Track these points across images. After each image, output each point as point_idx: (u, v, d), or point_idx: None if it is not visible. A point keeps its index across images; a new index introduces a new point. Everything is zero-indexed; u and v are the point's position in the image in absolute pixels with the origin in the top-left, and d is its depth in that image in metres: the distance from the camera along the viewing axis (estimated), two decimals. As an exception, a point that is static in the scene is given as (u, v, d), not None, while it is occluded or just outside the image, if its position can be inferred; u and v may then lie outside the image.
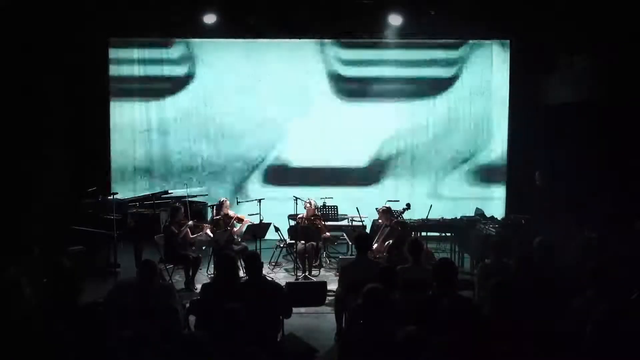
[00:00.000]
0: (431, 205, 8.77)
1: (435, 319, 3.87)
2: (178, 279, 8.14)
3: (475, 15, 9.57)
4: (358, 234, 6.69)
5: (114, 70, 10.60)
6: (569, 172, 9.29)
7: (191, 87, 10.82)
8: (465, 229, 8.84)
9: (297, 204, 8.76)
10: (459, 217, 9.33)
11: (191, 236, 8.33)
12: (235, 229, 8.63)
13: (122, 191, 9.83)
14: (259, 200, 8.87)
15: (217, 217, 8.62)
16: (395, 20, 9.84)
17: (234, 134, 10.89)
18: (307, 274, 8.28)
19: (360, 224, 9.08)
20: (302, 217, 8.70)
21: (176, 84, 10.79)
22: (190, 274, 7.98)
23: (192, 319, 5.12)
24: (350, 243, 8.70)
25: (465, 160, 11.02)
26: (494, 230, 8.32)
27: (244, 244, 8.66)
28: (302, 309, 6.60)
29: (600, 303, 3.94)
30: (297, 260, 8.34)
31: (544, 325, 4.06)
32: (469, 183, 11.05)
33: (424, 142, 10.97)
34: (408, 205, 8.45)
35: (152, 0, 9.53)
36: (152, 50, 10.71)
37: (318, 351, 5.43)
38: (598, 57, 9.06)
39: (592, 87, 9.25)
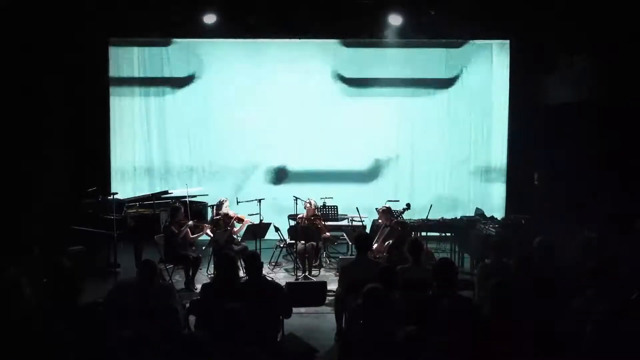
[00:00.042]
0: (431, 205, 8.77)
1: (435, 319, 3.87)
2: (178, 279, 8.14)
3: (475, 15, 9.57)
4: (358, 234, 6.69)
5: (114, 70, 10.58)
6: (569, 172, 9.29)
7: (192, 88, 10.81)
8: (465, 229, 8.84)
9: (297, 204, 8.76)
10: (459, 217, 9.33)
11: (191, 236, 8.33)
12: (235, 229, 8.63)
13: (122, 191, 9.83)
14: (259, 200, 8.87)
15: (217, 217, 8.62)
16: (395, 20, 9.83)
17: (234, 135, 10.88)
18: (307, 274, 8.28)
19: (360, 224, 9.07)
20: (302, 217, 8.70)
21: (177, 84, 10.77)
22: (190, 274, 7.98)
23: (192, 319, 5.12)
24: (350, 243, 8.70)
25: (465, 161, 11.01)
26: (494, 230, 8.33)
27: (244, 244, 8.66)
28: (302, 309, 6.60)
29: (600, 303, 3.94)
30: (297, 260, 8.34)
31: (544, 325, 4.06)
32: (469, 183, 11.04)
33: (424, 143, 10.97)
34: (408, 205, 8.45)
35: (152, 0, 9.53)
36: (153, 49, 10.70)
37: (318, 351, 5.43)
38: (598, 57, 9.05)
39: (592, 87, 9.25)
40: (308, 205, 8.77)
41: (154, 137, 10.87)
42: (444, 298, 4.17)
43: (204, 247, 8.85)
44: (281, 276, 8.48)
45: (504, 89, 10.70)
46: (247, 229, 8.65)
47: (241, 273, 6.17)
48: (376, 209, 8.63)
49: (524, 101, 10.38)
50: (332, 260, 9.30)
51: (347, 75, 10.83)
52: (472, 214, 9.54)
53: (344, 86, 10.85)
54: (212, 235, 8.39)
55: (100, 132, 10.44)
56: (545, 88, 10.23)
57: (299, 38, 10.50)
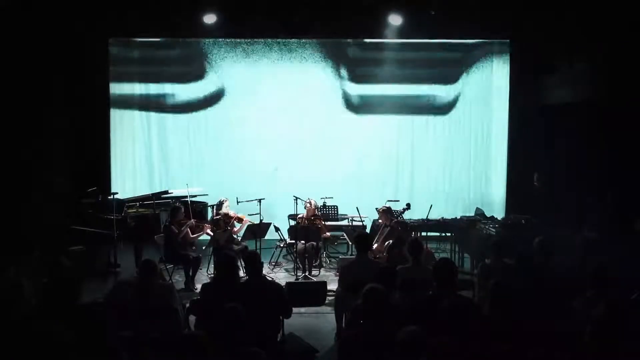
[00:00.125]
0: (431, 205, 8.77)
1: (435, 319, 3.87)
2: (178, 279, 8.14)
3: (475, 15, 9.57)
4: (358, 234, 6.69)
5: (114, 70, 10.58)
6: (569, 172, 9.29)
7: (192, 87, 10.80)
8: (465, 229, 8.84)
9: (297, 204, 8.76)
10: (459, 217, 9.33)
11: (191, 236, 8.33)
12: (235, 229, 8.63)
13: (122, 191, 9.83)
14: (259, 200, 8.87)
15: (217, 217, 8.62)
16: (395, 20, 9.84)
17: (234, 134, 10.88)
18: (307, 274, 8.28)
19: (360, 224, 9.07)
20: (302, 217, 8.70)
21: (177, 82, 10.76)
22: (190, 274, 7.98)
23: (192, 319, 5.12)
24: (350, 243, 8.70)
25: (465, 160, 11.02)
26: (494, 230, 8.33)
27: (244, 243, 8.66)
28: (302, 309, 6.60)
29: (600, 303, 3.94)
30: (297, 260, 8.34)
31: (544, 325, 4.06)
32: (469, 182, 11.04)
33: (425, 143, 10.97)
34: (408, 205, 8.45)
35: (152, 0, 9.53)
36: (153, 48, 10.68)
37: (318, 351, 5.44)
38: (598, 57, 9.06)
39: (592, 87, 9.25)
40: (308, 205, 8.77)
41: (154, 137, 10.85)
42: (444, 298, 4.17)
43: (204, 247, 8.85)
44: (281, 276, 8.48)
45: (504, 90, 10.70)
46: (247, 229, 8.65)
47: (241, 273, 6.17)
48: (376, 208, 8.63)
49: (524, 101, 10.38)
50: (332, 260, 9.30)
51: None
52: (472, 214, 9.54)
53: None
54: (212, 234, 8.39)
55: (100, 132, 10.44)
56: (545, 88, 10.23)
57: (299, 38, 10.51)
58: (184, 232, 8.15)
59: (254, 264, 5.22)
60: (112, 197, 8.63)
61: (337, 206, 9.70)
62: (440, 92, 10.88)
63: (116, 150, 10.75)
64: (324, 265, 8.97)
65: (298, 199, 8.76)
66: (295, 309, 5.39)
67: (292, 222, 8.87)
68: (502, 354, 3.67)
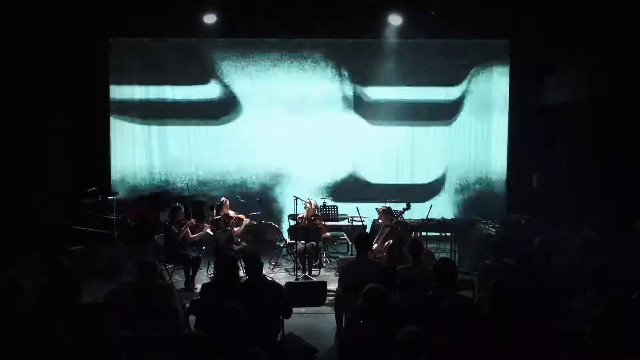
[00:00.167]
0: (431, 205, 8.77)
1: (435, 319, 3.87)
2: (178, 279, 8.14)
3: (475, 15, 9.57)
4: (358, 234, 6.70)
5: (114, 69, 10.58)
6: (569, 172, 9.30)
7: (192, 86, 10.80)
8: (465, 229, 8.84)
9: (297, 204, 8.76)
10: (459, 217, 9.34)
11: (191, 236, 8.33)
12: (235, 229, 8.63)
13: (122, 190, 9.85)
14: (259, 200, 8.87)
15: (217, 217, 8.62)
16: (395, 20, 9.84)
17: (234, 138, 10.88)
18: (307, 274, 8.28)
19: (360, 224, 9.08)
20: (302, 217, 8.70)
21: (177, 82, 10.73)
22: (190, 274, 7.98)
23: (192, 319, 5.12)
24: (350, 243, 8.70)
25: (465, 160, 11.02)
26: (494, 230, 8.33)
27: (244, 243, 8.67)
28: (302, 309, 6.61)
29: (600, 303, 3.94)
30: (297, 260, 8.35)
31: (544, 325, 4.06)
32: (469, 183, 11.04)
33: (424, 143, 10.98)
34: (408, 205, 8.44)
35: (152, 0, 9.53)
36: (153, 48, 10.67)
37: (318, 351, 5.44)
38: (598, 57, 9.06)
39: (592, 87, 9.25)
40: (308, 205, 8.78)
41: (154, 136, 10.85)
42: (444, 298, 4.17)
43: (204, 247, 8.85)
44: (281, 276, 8.49)
45: (504, 90, 10.70)
46: (247, 229, 8.65)
47: (241, 273, 6.17)
48: (376, 208, 8.63)
49: (524, 101, 10.38)
50: (332, 260, 9.30)
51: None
52: (472, 214, 9.55)
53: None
54: (212, 233, 8.40)
55: (100, 132, 10.44)
56: (545, 88, 10.23)
57: (299, 38, 10.51)
58: (184, 232, 8.15)
59: (254, 264, 5.22)
60: (112, 197, 8.64)
61: (337, 206, 9.71)
62: (442, 94, 10.86)
63: (116, 150, 10.74)
64: (324, 265, 8.98)
65: (298, 199, 8.76)
66: (295, 309, 5.40)
67: (292, 222, 8.87)
68: (502, 354, 3.67)
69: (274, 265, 8.96)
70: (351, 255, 8.57)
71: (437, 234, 9.49)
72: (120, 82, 10.63)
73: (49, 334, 3.24)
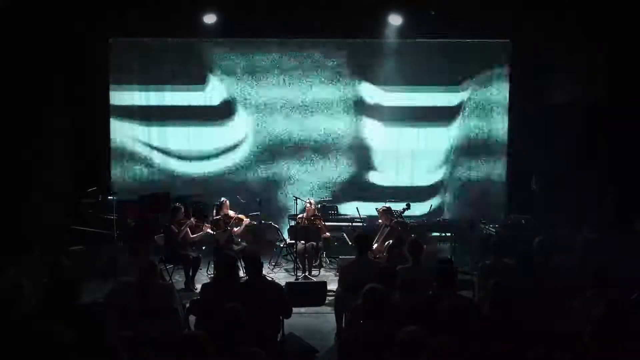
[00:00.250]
0: (431, 205, 8.77)
1: (435, 319, 3.87)
2: (178, 279, 8.14)
3: (475, 15, 9.57)
4: (358, 234, 6.70)
5: (114, 69, 10.58)
6: (568, 172, 9.30)
7: (192, 86, 10.79)
8: (465, 229, 8.84)
9: (297, 204, 8.76)
10: (459, 217, 9.34)
11: (191, 236, 8.34)
12: (235, 229, 8.63)
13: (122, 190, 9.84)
14: (259, 200, 8.87)
15: (217, 217, 8.62)
16: (395, 20, 9.84)
17: (235, 138, 10.87)
18: (307, 274, 8.28)
19: (360, 224, 9.07)
20: (302, 217, 8.70)
21: (177, 81, 10.71)
22: (190, 274, 7.98)
23: (192, 319, 5.12)
24: (350, 243, 8.70)
25: (465, 160, 11.02)
26: (494, 230, 8.34)
27: (244, 243, 8.67)
28: (302, 309, 6.61)
29: (600, 303, 3.94)
30: (297, 260, 8.35)
31: (544, 325, 4.06)
32: (469, 182, 11.04)
33: (424, 143, 10.98)
34: (408, 205, 8.45)
35: (152, 0, 9.53)
36: (153, 47, 10.66)
37: (318, 351, 5.44)
38: (598, 57, 9.06)
39: (592, 87, 9.25)
40: (308, 205, 8.78)
41: (154, 135, 10.85)
42: (444, 298, 4.17)
43: (204, 247, 8.85)
44: (281, 276, 8.49)
45: (504, 90, 10.70)
46: (247, 229, 8.65)
47: (241, 273, 6.17)
48: (376, 208, 8.63)
49: (524, 101, 10.37)
50: (332, 260, 9.30)
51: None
52: (472, 214, 9.55)
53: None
54: (212, 233, 8.40)
55: (100, 132, 10.43)
56: (545, 88, 10.23)
57: (299, 38, 10.50)
58: (183, 232, 8.15)
59: (254, 264, 5.22)
60: (112, 197, 8.64)
61: (337, 206, 9.70)
62: (442, 94, 10.84)
63: (116, 150, 10.74)
64: (324, 265, 8.98)
65: (298, 199, 8.76)
66: (295, 309, 5.40)
67: (292, 222, 8.87)
68: (502, 354, 3.67)
69: (274, 265, 8.96)
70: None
71: (437, 234, 9.49)
72: (120, 82, 10.62)
73: (49, 334, 3.23)
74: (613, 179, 8.68)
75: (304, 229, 8.36)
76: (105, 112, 10.51)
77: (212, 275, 8.13)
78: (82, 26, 9.61)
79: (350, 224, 9.17)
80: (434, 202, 10.15)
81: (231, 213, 8.71)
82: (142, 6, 9.44)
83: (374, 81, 10.74)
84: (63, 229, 8.45)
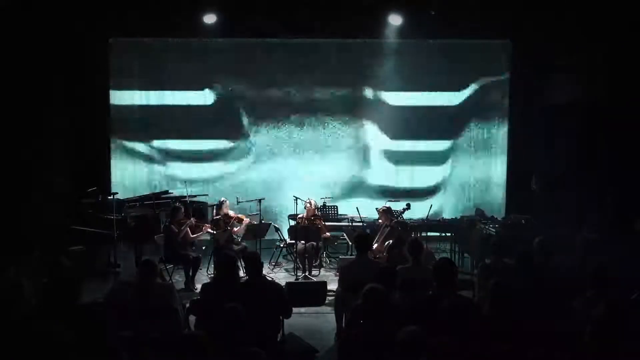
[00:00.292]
0: (431, 205, 8.77)
1: (435, 319, 3.87)
2: (178, 279, 8.14)
3: (475, 15, 9.57)
4: (358, 234, 6.69)
5: (114, 69, 10.57)
6: (568, 172, 9.30)
7: (192, 86, 10.78)
8: (465, 229, 8.84)
9: (297, 204, 8.76)
10: (458, 217, 9.33)
11: (191, 236, 8.33)
12: (235, 229, 8.63)
13: (122, 191, 9.83)
14: (259, 200, 8.87)
15: (217, 217, 8.62)
16: (395, 20, 9.84)
17: (234, 138, 10.86)
18: (307, 274, 8.28)
19: (360, 224, 9.07)
20: (302, 217, 8.70)
21: (177, 81, 10.70)
22: (190, 274, 7.98)
23: (192, 319, 5.12)
24: (350, 243, 8.70)
25: (465, 160, 11.01)
26: (494, 230, 8.33)
27: (244, 243, 8.66)
28: (302, 309, 6.59)
29: (600, 303, 3.94)
30: (297, 260, 8.35)
31: (544, 325, 4.06)
32: (469, 182, 11.04)
33: (424, 143, 10.98)
34: (408, 205, 8.45)
35: (152, 0, 9.53)
36: (153, 47, 10.65)
37: (318, 351, 5.44)
38: (598, 57, 9.06)
39: (592, 87, 9.25)
40: (308, 205, 8.77)
41: (154, 136, 10.85)
42: (444, 298, 4.17)
43: (204, 247, 8.85)
44: (281, 276, 8.48)
45: (504, 90, 10.70)
46: (247, 229, 8.65)
47: (241, 273, 6.17)
48: (376, 208, 8.63)
49: (524, 101, 10.38)
50: (332, 260, 9.30)
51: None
52: (472, 214, 9.54)
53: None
54: (213, 232, 8.39)
55: (100, 132, 10.44)
56: (545, 88, 10.23)
57: (299, 38, 10.50)
58: (183, 232, 8.15)
59: (254, 264, 5.22)
60: (112, 197, 8.64)
61: (337, 206, 9.70)
62: (443, 95, 10.85)
63: (116, 151, 10.74)
64: (324, 265, 8.97)
65: (298, 199, 8.76)
66: (295, 309, 5.39)
67: (292, 222, 8.87)
68: (502, 354, 3.67)
69: (274, 265, 8.96)
70: (351, 255, 8.56)
71: (437, 234, 9.49)
72: (120, 82, 10.62)
73: (49, 334, 3.24)
74: (613, 179, 8.67)
75: (304, 229, 8.35)
76: (105, 112, 10.51)
77: (212, 275, 8.13)
78: (82, 26, 9.62)
79: (350, 224, 9.16)
80: (434, 202, 10.13)
81: (231, 213, 8.71)
82: (142, 6, 9.44)
83: (374, 81, 10.74)
84: (63, 229, 8.44)
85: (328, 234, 8.92)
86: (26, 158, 8.84)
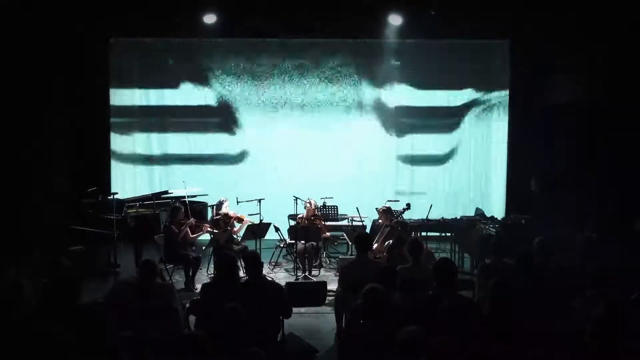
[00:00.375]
0: (431, 205, 8.77)
1: (435, 319, 3.87)
2: (178, 279, 8.14)
3: (475, 15, 9.57)
4: (358, 234, 6.69)
5: (114, 69, 10.56)
6: (568, 172, 9.29)
7: (192, 85, 10.77)
8: (465, 229, 8.84)
9: (297, 204, 8.75)
10: (458, 217, 9.33)
11: (191, 236, 8.33)
12: (235, 229, 8.63)
13: (122, 190, 9.82)
14: (259, 200, 8.87)
15: (217, 217, 8.62)
16: (395, 20, 9.84)
17: (234, 138, 10.84)
18: (307, 274, 8.28)
19: (360, 224, 9.07)
20: (302, 217, 8.69)
21: (177, 82, 10.71)
22: (190, 274, 7.98)
23: (192, 319, 5.12)
24: (350, 243, 8.70)
25: (465, 160, 11.01)
26: (494, 230, 8.33)
27: (244, 243, 8.66)
28: (302, 309, 6.59)
29: (600, 303, 3.94)
30: (297, 260, 8.34)
31: (544, 325, 4.06)
32: (469, 182, 11.03)
33: (424, 143, 10.97)
34: (408, 205, 8.44)
35: (152, 0, 9.53)
36: (153, 47, 10.63)
37: (318, 351, 5.44)
38: (598, 57, 9.05)
39: (592, 87, 9.25)
40: (308, 205, 8.77)
41: (154, 137, 10.84)
42: (444, 298, 4.17)
43: (204, 247, 8.84)
44: (281, 276, 8.48)
45: (504, 91, 10.69)
46: (247, 229, 8.65)
47: (241, 273, 6.17)
48: (376, 208, 8.63)
49: (524, 101, 10.37)
50: (332, 260, 9.30)
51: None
52: (472, 214, 9.54)
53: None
54: (214, 232, 8.39)
55: (100, 132, 10.43)
56: (545, 88, 10.23)
57: (299, 38, 10.50)
58: (183, 232, 8.15)
59: (254, 264, 5.22)
60: (112, 197, 8.64)
61: (337, 206, 9.70)
62: (443, 95, 10.84)
63: (116, 150, 10.73)
64: (324, 265, 8.97)
65: (298, 199, 8.75)
66: (295, 309, 5.39)
67: (292, 222, 8.87)
68: (502, 354, 3.67)
69: (274, 265, 8.96)
70: (351, 255, 8.56)
71: (437, 234, 9.49)
72: (120, 82, 10.62)
73: (49, 334, 3.24)
74: (613, 179, 8.66)
75: (304, 229, 8.35)
76: (105, 112, 10.51)
77: (212, 275, 8.13)
78: (82, 26, 9.62)
79: (350, 224, 9.16)
80: (434, 202, 10.11)
81: (231, 213, 8.71)
82: (142, 6, 9.44)
83: (374, 81, 10.73)
84: (63, 229, 8.44)
85: (328, 234, 8.92)
86: (26, 158, 8.84)
